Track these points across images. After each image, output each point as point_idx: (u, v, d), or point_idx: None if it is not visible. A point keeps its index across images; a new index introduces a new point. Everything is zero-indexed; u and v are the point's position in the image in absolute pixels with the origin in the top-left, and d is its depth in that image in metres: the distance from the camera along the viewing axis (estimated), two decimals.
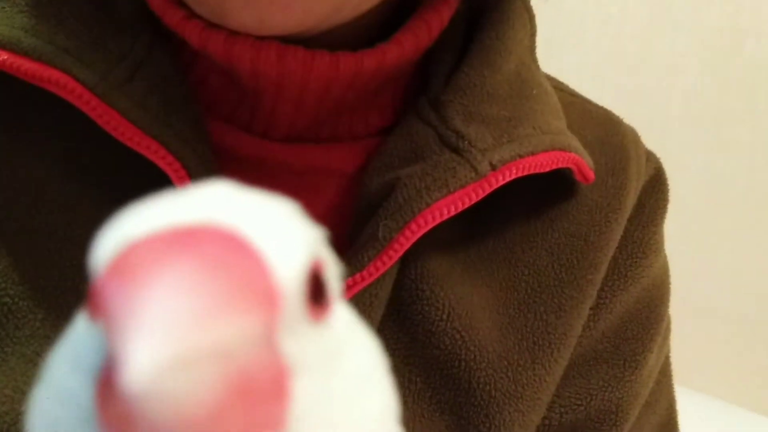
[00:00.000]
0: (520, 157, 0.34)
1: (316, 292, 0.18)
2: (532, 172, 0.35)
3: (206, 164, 0.34)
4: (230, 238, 0.16)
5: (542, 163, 0.35)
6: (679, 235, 1.30)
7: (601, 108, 0.44)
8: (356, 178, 0.38)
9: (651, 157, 0.43)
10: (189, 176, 0.33)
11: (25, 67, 0.32)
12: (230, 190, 0.18)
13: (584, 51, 1.31)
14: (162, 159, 0.32)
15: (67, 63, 0.32)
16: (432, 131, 0.36)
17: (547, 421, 0.39)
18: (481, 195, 0.34)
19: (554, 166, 0.35)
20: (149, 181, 0.34)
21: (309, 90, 0.35)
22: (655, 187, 0.42)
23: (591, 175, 0.37)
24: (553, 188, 0.39)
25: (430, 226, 0.33)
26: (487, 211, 0.39)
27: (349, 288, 0.33)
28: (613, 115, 0.44)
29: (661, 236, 0.43)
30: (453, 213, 0.34)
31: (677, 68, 1.31)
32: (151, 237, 0.16)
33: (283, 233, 0.17)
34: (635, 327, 0.41)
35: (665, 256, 0.44)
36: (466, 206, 0.34)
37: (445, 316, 0.36)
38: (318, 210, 0.38)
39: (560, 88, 0.44)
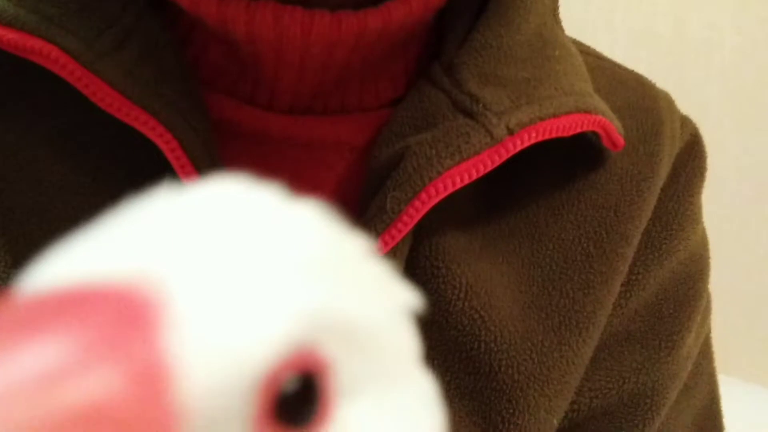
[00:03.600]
0: (541, 119, 0.32)
1: (303, 400, 0.13)
2: (553, 136, 0.32)
3: (203, 138, 0.32)
4: (131, 319, 0.11)
5: (565, 126, 0.32)
6: (719, 217, 1.26)
7: (632, 72, 0.41)
8: (367, 152, 0.36)
9: (687, 123, 0.40)
10: (184, 151, 0.31)
11: (8, 37, 0.31)
12: (229, 200, 0.14)
13: (615, 30, 1.27)
14: (152, 131, 0.31)
15: (51, 31, 0.31)
16: (444, 96, 0.33)
17: (576, 407, 0.37)
18: (498, 161, 0.31)
19: (578, 130, 0.33)
20: (147, 158, 0.33)
21: (310, 54, 0.33)
22: (692, 155, 0.39)
23: (620, 140, 0.35)
24: (580, 157, 0.36)
25: (442, 195, 0.31)
26: (508, 183, 0.36)
27: None
28: (645, 79, 0.41)
29: (699, 207, 0.40)
30: (467, 181, 0.31)
31: (713, 44, 1.26)
32: (35, 299, 0.12)
33: (253, 302, 0.12)
34: (671, 304, 0.38)
35: (704, 229, 0.41)
36: (482, 174, 0.31)
37: (462, 295, 0.34)
38: (327, 186, 0.36)
39: (587, 51, 0.41)
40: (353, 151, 0.36)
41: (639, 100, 0.39)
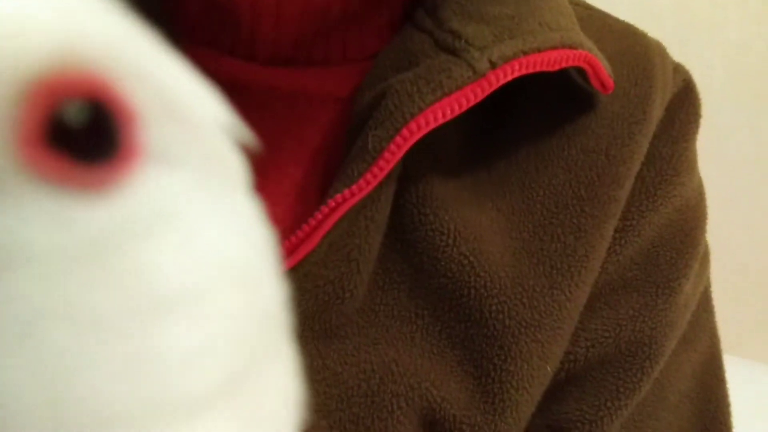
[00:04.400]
0: (524, 53, 0.31)
1: (88, 134, 0.11)
2: (537, 70, 0.31)
3: None
4: None
5: (550, 60, 0.31)
6: (727, 195, 1.25)
7: (622, 21, 0.41)
8: (352, 103, 0.35)
9: (679, 69, 0.39)
10: None
11: None
12: None
13: (616, 6, 1.26)
14: None
15: None
16: (427, 36, 0.33)
17: (572, 357, 0.36)
18: (481, 96, 0.31)
19: (564, 65, 0.32)
20: None
21: (286, 1, 0.32)
22: (685, 101, 0.39)
23: (609, 81, 0.34)
24: (569, 102, 0.36)
25: (424, 131, 0.30)
26: (496, 130, 0.36)
27: (338, 206, 0.31)
28: (635, 27, 0.40)
29: (694, 154, 0.39)
30: (449, 116, 0.30)
31: (719, 22, 1.24)
32: None
33: None
34: (668, 252, 0.37)
35: (700, 178, 0.40)
36: (464, 109, 0.31)
37: (450, 241, 0.33)
38: (312, 138, 0.35)
39: (576, 2, 0.40)
40: (338, 102, 0.35)
41: (629, 47, 0.38)
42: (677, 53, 0.40)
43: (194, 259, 0.12)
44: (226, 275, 0.13)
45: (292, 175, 0.35)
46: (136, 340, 0.11)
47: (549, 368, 0.35)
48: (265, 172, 0.35)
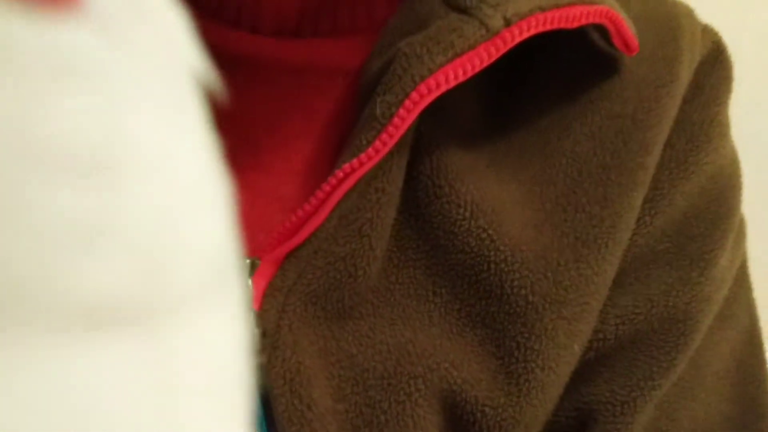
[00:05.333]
0: (542, 10, 0.29)
1: None
2: (555, 27, 0.30)
3: None
4: None
5: (568, 16, 0.30)
6: (759, 183, 1.21)
7: None
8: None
9: (708, 30, 0.37)
10: None
11: None
12: None
13: None
14: None
15: None
16: None
17: (601, 335, 0.34)
18: (495, 55, 0.29)
19: (583, 21, 0.30)
20: None
21: None
22: (715, 64, 0.37)
23: (633, 40, 0.32)
24: (592, 66, 0.34)
25: (434, 94, 0.29)
26: (515, 98, 0.34)
27: (347, 177, 0.29)
28: None
29: (727, 119, 0.37)
30: (461, 78, 0.29)
31: (749, 3, 1.21)
32: None
33: None
34: (702, 223, 0.35)
35: (733, 145, 0.38)
36: (477, 69, 0.29)
37: (468, 214, 0.31)
38: (322, 112, 0.34)
39: None
40: (347, 75, 0.34)
41: (654, 8, 0.36)
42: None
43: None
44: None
45: (301, 151, 0.34)
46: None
47: (576, 347, 0.33)
48: (274, 149, 0.34)
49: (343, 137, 0.33)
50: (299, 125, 0.34)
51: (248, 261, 0.30)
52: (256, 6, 0.33)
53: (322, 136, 0.34)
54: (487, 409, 0.32)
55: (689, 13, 0.37)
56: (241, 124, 0.33)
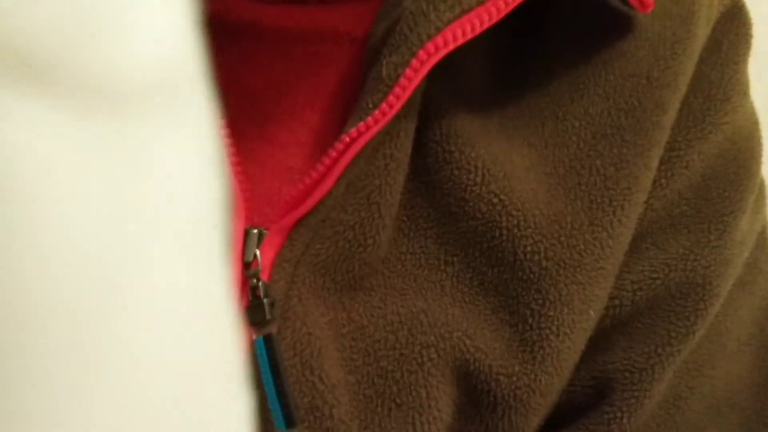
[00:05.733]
0: None
1: None
2: None
3: None
4: None
5: None
6: None
7: None
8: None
9: None
10: None
11: None
12: None
13: None
14: None
15: None
16: None
17: (617, 302, 0.33)
18: (504, 10, 0.28)
19: None
20: None
21: None
22: (733, 20, 0.35)
23: None
24: (606, 26, 0.33)
25: (442, 53, 0.28)
26: (526, 58, 0.33)
27: (353, 142, 0.28)
28: None
29: (746, 77, 0.36)
30: (469, 35, 0.28)
31: None
32: None
33: None
34: (720, 184, 0.34)
35: (752, 104, 0.37)
36: (486, 26, 0.28)
37: (479, 180, 0.31)
38: (328, 82, 0.33)
39: None
40: (354, 42, 0.33)
41: None
42: None
43: None
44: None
45: (308, 122, 0.33)
46: None
47: (592, 313, 0.32)
48: (280, 120, 0.33)
49: (349, 106, 0.33)
50: (305, 95, 0.33)
51: (255, 231, 0.30)
52: None
53: (328, 105, 0.33)
54: (501, 378, 0.31)
55: None
56: (246, 94, 0.33)
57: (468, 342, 0.31)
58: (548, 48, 0.33)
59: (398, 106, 0.28)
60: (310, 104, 0.33)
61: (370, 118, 0.28)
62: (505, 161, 0.31)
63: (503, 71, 0.33)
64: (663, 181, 0.33)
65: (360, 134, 0.28)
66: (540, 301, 0.31)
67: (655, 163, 0.33)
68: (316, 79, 0.33)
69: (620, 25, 0.33)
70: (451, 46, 0.28)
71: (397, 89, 0.28)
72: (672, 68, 0.33)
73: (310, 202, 0.29)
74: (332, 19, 0.33)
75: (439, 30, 0.28)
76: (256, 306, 0.29)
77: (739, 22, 0.36)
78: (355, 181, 0.30)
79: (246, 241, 0.30)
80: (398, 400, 0.31)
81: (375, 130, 0.28)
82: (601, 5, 0.32)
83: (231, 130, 0.30)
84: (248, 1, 0.33)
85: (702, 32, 0.34)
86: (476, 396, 0.32)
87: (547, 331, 0.31)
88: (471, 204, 0.31)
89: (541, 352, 0.31)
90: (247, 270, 0.29)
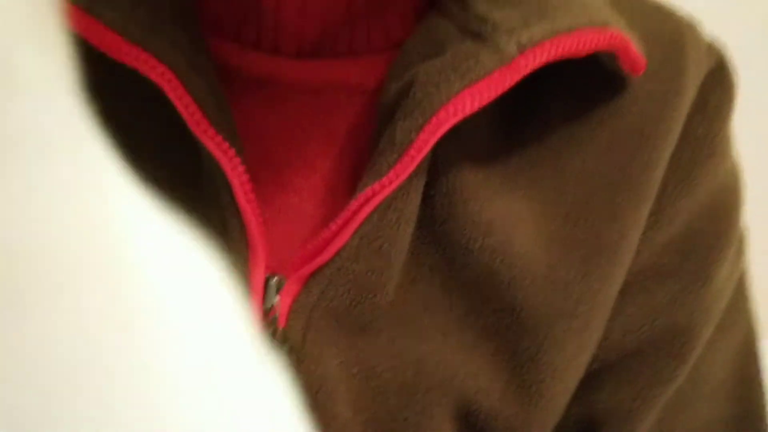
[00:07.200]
0: (554, 34, 0.30)
1: None
2: (567, 53, 0.31)
3: (206, 79, 0.32)
4: None
5: (579, 42, 0.31)
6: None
7: (651, 0, 0.40)
8: (378, 94, 0.35)
9: (713, 47, 0.38)
10: (186, 90, 0.31)
11: None
12: None
13: None
14: (153, 70, 0.30)
15: None
16: (453, 23, 0.32)
17: (607, 345, 0.36)
18: (510, 82, 0.30)
19: (594, 46, 0.31)
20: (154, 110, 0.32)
21: None
22: (719, 80, 0.38)
23: (640, 60, 0.33)
24: (600, 85, 0.35)
25: (453, 121, 0.30)
26: (526, 116, 0.35)
27: (368, 200, 0.30)
28: (665, 7, 0.40)
29: (729, 135, 0.38)
30: (478, 105, 0.30)
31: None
32: None
33: None
34: (704, 237, 0.37)
35: (735, 161, 0.39)
36: (494, 96, 0.30)
37: (481, 232, 0.33)
38: (340, 131, 0.35)
39: None
40: (365, 94, 0.35)
41: (660, 26, 0.37)
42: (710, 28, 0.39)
43: None
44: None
45: (320, 169, 0.35)
46: None
47: (583, 357, 0.35)
48: (294, 167, 0.35)
49: (360, 155, 0.34)
50: (318, 144, 0.35)
51: (275, 280, 0.32)
52: (277, 27, 0.34)
53: (339, 153, 0.35)
54: (499, 418, 0.33)
55: (694, 30, 0.38)
56: (263, 142, 0.35)
57: (470, 384, 0.33)
58: (547, 105, 0.35)
59: (411, 168, 0.30)
60: (322, 152, 0.35)
61: (385, 179, 0.30)
62: (506, 214, 0.33)
63: (505, 126, 0.35)
64: (651, 233, 0.36)
65: (375, 193, 0.30)
66: (536, 347, 0.33)
67: (644, 217, 0.35)
68: (329, 128, 0.35)
69: (614, 84, 0.35)
70: (461, 115, 0.30)
71: (410, 153, 0.30)
72: (662, 125, 0.35)
73: (327, 254, 0.31)
74: (345, 72, 0.35)
75: (449, 99, 0.30)
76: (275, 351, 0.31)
77: (724, 80, 0.38)
78: (368, 233, 0.31)
79: (266, 289, 0.32)
80: None
81: (389, 189, 0.30)
82: (597, 66, 0.34)
83: (250, 176, 0.32)
84: (267, 56, 0.35)
85: (690, 91, 0.36)
86: None
87: (543, 375, 0.33)
88: (474, 254, 0.33)
89: (537, 393, 0.33)
90: (266, 316, 0.31)
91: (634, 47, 0.33)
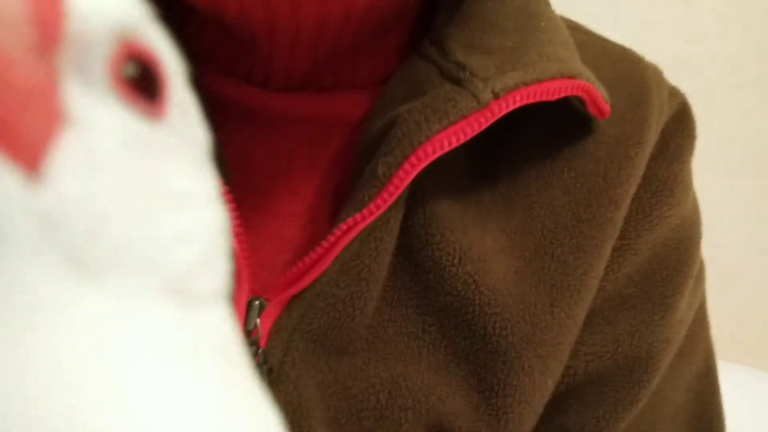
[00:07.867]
0: (525, 84, 0.33)
1: (144, 81, 0.16)
2: (537, 100, 0.33)
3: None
4: None
5: (549, 90, 0.33)
6: (726, 205, 1.26)
7: (619, 45, 0.42)
8: (362, 127, 0.36)
9: (675, 93, 0.41)
10: None
11: None
12: None
13: (619, 20, 1.27)
14: None
15: None
16: (433, 66, 0.34)
17: (572, 371, 0.37)
18: (485, 125, 0.32)
19: (562, 94, 0.34)
20: None
21: (301, 31, 0.34)
22: (681, 124, 0.40)
23: (606, 107, 0.35)
24: (569, 127, 0.37)
25: (431, 158, 0.32)
26: (500, 155, 0.37)
27: (349, 229, 0.32)
28: (632, 52, 0.42)
29: (689, 174, 0.41)
30: (455, 144, 0.32)
31: (719, 34, 1.26)
32: None
33: None
34: (664, 270, 0.39)
35: (695, 198, 0.41)
36: (469, 137, 0.32)
37: (456, 261, 0.35)
38: (324, 160, 0.37)
39: (575, 27, 0.42)
40: (348, 126, 0.37)
41: (627, 72, 0.40)
42: (677, 66, 0.41)
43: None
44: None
45: (303, 197, 0.36)
46: None
47: (550, 382, 0.36)
48: (278, 194, 0.36)
49: (341, 185, 0.36)
50: (302, 172, 0.37)
51: (257, 302, 0.33)
52: (268, 64, 0.36)
53: (322, 182, 0.37)
54: None
55: (658, 76, 0.41)
56: (250, 170, 0.36)
57: (441, 405, 0.35)
58: (520, 143, 0.37)
59: (391, 201, 0.32)
60: (306, 180, 0.36)
61: (366, 210, 0.32)
62: (479, 245, 0.35)
63: (480, 163, 0.37)
64: (615, 266, 0.38)
65: (356, 223, 0.32)
66: (506, 372, 0.35)
67: (608, 252, 0.37)
68: (313, 158, 0.37)
69: (582, 127, 0.37)
70: (438, 153, 0.32)
71: (390, 187, 0.32)
72: (626, 169, 0.37)
73: (308, 279, 0.33)
74: (330, 106, 0.37)
75: (428, 138, 0.32)
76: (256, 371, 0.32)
77: (685, 124, 0.40)
78: (348, 260, 0.33)
79: (248, 311, 0.33)
80: None
81: (370, 220, 0.32)
82: (567, 110, 0.36)
83: (236, 203, 0.33)
84: (257, 89, 0.37)
85: (653, 136, 0.38)
86: None
87: (511, 399, 0.35)
88: (448, 282, 0.35)
89: (505, 416, 0.35)
90: (248, 338, 0.33)
91: (600, 96, 0.35)
